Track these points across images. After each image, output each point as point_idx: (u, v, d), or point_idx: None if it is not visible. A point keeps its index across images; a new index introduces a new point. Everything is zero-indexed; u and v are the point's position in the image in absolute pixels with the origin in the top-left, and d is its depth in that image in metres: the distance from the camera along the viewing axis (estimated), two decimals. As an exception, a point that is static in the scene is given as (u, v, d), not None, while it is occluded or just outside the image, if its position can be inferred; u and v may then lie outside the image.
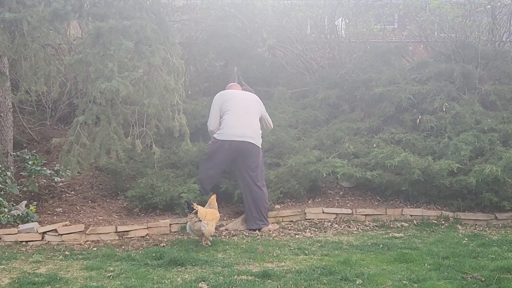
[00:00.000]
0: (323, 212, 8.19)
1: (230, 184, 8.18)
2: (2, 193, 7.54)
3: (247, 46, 10.87)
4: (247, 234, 7.51)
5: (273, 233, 7.54)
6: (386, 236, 7.39)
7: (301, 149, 8.79)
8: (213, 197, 7.18)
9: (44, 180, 8.64)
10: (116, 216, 7.88)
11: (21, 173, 8.23)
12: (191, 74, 11.71)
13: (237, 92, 8.32)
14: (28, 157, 8.31)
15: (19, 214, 7.29)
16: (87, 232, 7.15)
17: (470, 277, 5.34)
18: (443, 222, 8.05)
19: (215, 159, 7.87)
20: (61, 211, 7.90)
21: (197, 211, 6.62)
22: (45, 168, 8.17)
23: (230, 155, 7.80)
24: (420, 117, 9.26)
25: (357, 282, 5.24)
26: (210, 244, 6.78)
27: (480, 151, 8.61)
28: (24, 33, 7.74)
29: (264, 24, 11.41)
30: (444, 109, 9.19)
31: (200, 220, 6.62)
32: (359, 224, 8.03)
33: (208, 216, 6.76)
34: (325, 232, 7.67)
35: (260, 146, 7.90)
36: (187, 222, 6.81)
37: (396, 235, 7.43)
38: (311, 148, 8.92)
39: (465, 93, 9.67)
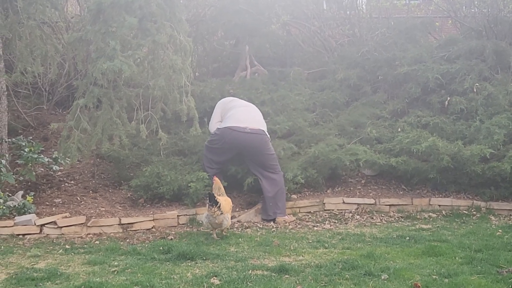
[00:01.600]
0: (344, 202, 8.17)
1: (242, 171, 8.13)
2: (-4, 182, 7.57)
3: (260, 23, 10.81)
4: (261, 226, 7.50)
5: (289, 224, 7.52)
6: (413, 227, 7.35)
7: (322, 137, 8.74)
8: (218, 180, 7.12)
9: (42, 169, 8.66)
10: (120, 207, 7.88)
11: (17, 161, 8.24)
12: (198, 54, 11.70)
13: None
14: (24, 144, 8.31)
15: (15, 205, 7.30)
16: (88, 225, 7.16)
17: (506, 271, 5.29)
18: (474, 212, 8.00)
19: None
20: (60, 202, 7.92)
21: (220, 204, 6.59)
22: (42, 156, 8.18)
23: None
24: (448, 98, 9.19)
25: (383, 277, 5.21)
26: (227, 235, 6.82)
27: (515, 135, 8.54)
28: (19, 10, 7.76)
29: (278, -1, 11.36)
30: (475, 90, 9.12)
31: (222, 213, 6.62)
32: (383, 215, 8.00)
33: (227, 207, 6.76)
34: (346, 224, 7.64)
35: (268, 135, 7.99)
36: (204, 214, 6.79)
37: (424, 226, 7.38)
38: (331, 135, 8.85)
39: (498, 72, 9.59)
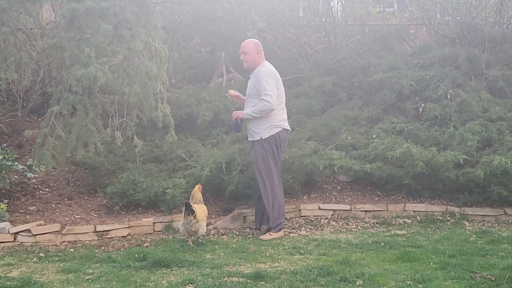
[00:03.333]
0: (320, 209, 8.19)
1: (218, 177, 8.10)
2: (-30, 190, 7.48)
3: (236, 30, 10.84)
4: (237, 233, 7.50)
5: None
6: (388, 233, 7.38)
7: (295, 141, 8.76)
8: (198, 187, 7.09)
9: (16, 176, 8.58)
10: (95, 215, 7.83)
11: (-9, 168, 8.15)
12: (174, 60, 11.70)
13: None
14: (-2, 151, 8.24)
15: (-12, 213, 7.23)
16: (63, 232, 7.11)
17: (479, 277, 5.34)
18: (448, 218, 8.05)
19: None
20: (35, 210, 7.84)
21: (195, 213, 6.61)
22: (16, 163, 8.09)
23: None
24: (423, 105, 9.25)
25: (358, 283, 5.23)
26: (203, 242, 6.83)
27: (488, 141, 8.61)
28: (-8, 16, 7.67)
29: (253, 6, 11.38)
30: (449, 97, 9.19)
31: (198, 221, 6.64)
32: (358, 221, 8.03)
33: (202, 215, 6.78)
34: (322, 230, 7.66)
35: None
36: (181, 221, 6.77)
37: (399, 232, 7.42)
38: (306, 139, 8.88)
39: (471, 79, 9.67)
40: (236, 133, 7.67)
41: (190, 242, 6.74)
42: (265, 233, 7.24)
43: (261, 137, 7.24)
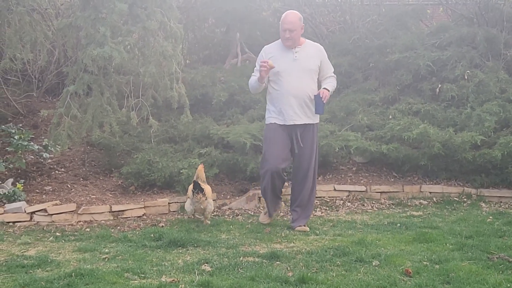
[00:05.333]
0: (335, 190, 8.17)
1: (233, 158, 8.11)
2: (-14, 170, 7.53)
3: (251, 10, 10.80)
4: (252, 214, 7.49)
5: (280, 212, 7.51)
6: (404, 214, 7.36)
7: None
8: (201, 167, 7.10)
9: (32, 156, 8.61)
10: (110, 195, 7.86)
11: (7, 148, 8.21)
12: (189, 41, 11.66)
13: None
14: (14, 131, 8.28)
15: (5, 193, 7.26)
16: (79, 212, 7.14)
17: (496, 257, 5.31)
18: (465, 199, 8.01)
19: None
20: (51, 190, 7.88)
21: (204, 191, 6.70)
22: (32, 143, 8.14)
23: None
24: (440, 85, 9.19)
25: (374, 264, 5.22)
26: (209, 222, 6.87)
27: (506, 122, 8.55)
28: (8, -4, 7.69)
29: (269, -14, 11.30)
30: (466, 77, 9.11)
31: (207, 199, 6.74)
32: (374, 202, 8.01)
33: (210, 193, 6.90)
34: (337, 211, 7.65)
35: (267, 122, 6.82)
36: (187, 201, 6.84)
37: (415, 213, 7.40)
38: (322, 121, 8.83)
39: (489, 60, 9.58)
40: (320, 114, 6.71)
41: (207, 220, 6.83)
42: (305, 224, 6.70)
43: (315, 121, 6.71)
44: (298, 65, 6.54)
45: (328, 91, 6.54)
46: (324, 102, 6.46)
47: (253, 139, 7.96)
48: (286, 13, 6.61)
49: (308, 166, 6.65)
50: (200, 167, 7.09)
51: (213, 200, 7.73)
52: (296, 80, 6.51)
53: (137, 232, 6.50)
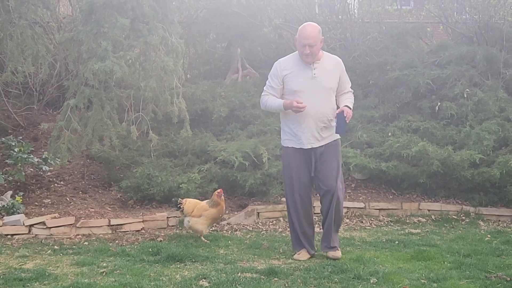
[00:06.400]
0: (334, 206, 8.15)
1: (232, 174, 8.10)
2: (-15, 182, 7.52)
3: (252, 26, 10.83)
4: (251, 229, 7.49)
5: (279, 227, 7.50)
6: (402, 232, 7.36)
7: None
8: (217, 192, 6.82)
9: (31, 169, 8.61)
10: (109, 209, 7.85)
11: (6, 161, 8.20)
12: (190, 56, 11.70)
13: None
14: (14, 144, 8.28)
15: (4, 205, 7.26)
16: (77, 225, 7.13)
17: (494, 277, 5.31)
18: (463, 217, 8.01)
19: None
20: (50, 203, 7.87)
21: (182, 208, 6.83)
22: (32, 156, 8.14)
23: None
24: (439, 103, 9.20)
25: (371, 281, 5.21)
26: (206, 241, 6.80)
27: (505, 141, 8.56)
28: (10, 9, 7.75)
29: (270, 2, 11.37)
30: (465, 96, 9.13)
31: (186, 216, 6.82)
32: (372, 219, 8.01)
33: (195, 212, 6.80)
34: (336, 227, 7.64)
35: (284, 145, 6.19)
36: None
37: (413, 231, 7.40)
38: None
39: (488, 78, 9.62)
40: (342, 135, 6.10)
41: (201, 237, 6.81)
42: (338, 249, 6.15)
43: (339, 137, 6.13)
44: (317, 83, 5.85)
45: (351, 109, 5.93)
46: (347, 121, 5.81)
47: (243, 158, 7.94)
48: (304, 26, 5.90)
49: (338, 192, 6.00)
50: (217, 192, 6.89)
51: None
52: (316, 101, 5.81)
53: (135, 247, 6.50)
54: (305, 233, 6.12)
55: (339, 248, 6.13)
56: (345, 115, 5.75)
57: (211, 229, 7.27)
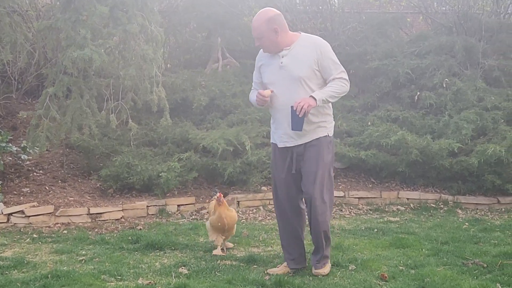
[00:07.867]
0: (313, 195, 8.17)
1: (212, 162, 8.11)
2: (-37, 171, 7.47)
3: (232, 15, 10.82)
4: (231, 218, 7.49)
5: (259, 216, 7.51)
6: (381, 220, 7.41)
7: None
8: (217, 196, 5.93)
9: (10, 158, 8.54)
10: (89, 197, 7.83)
11: (-15, 150, 8.13)
12: (170, 45, 11.65)
13: None
14: (-8, 133, 8.21)
15: (-18, 194, 7.22)
16: (56, 214, 7.11)
17: (471, 263, 5.36)
18: (442, 206, 8.08)
19: None
20: (29, 192, 7.83)
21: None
22: (10, 145, 8.08)
23: None
24: (418, 93, 9.26)
25: (350, 268, 5.24)
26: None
27: (483, 130, 8.64)
28: (-13, -3, 7.65)
29: (250, -9, 11.33)
30: (444, 85, 9.20)
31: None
32: (351, 207, 8.05)
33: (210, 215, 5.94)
34: (315, 216, 7.66)
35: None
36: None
37: (392, 219, 7.45)
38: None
39: (467, 68, 9.68)
40: (297, 131, 4.93)
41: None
42: (324, 265, 5.18)
43: (327, 134, 5.11)
44: (285, 73, 4.99)
45: (315, 100, 4.83)
46: (300, 115, 4.78)
47: (227, 144, 7.94)
48: (254, 18, 5.13)
49: (322, 196, 5.00)
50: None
51: (192, 204, 7.77)
52: (285, 93, 4.96)
53: (115, 235, 6.49)
54: (284, 247, 5.34)
55: (324, 265, 5.17)
56: (295, 109, 4.80)
57: (191, 218, 7.28)
